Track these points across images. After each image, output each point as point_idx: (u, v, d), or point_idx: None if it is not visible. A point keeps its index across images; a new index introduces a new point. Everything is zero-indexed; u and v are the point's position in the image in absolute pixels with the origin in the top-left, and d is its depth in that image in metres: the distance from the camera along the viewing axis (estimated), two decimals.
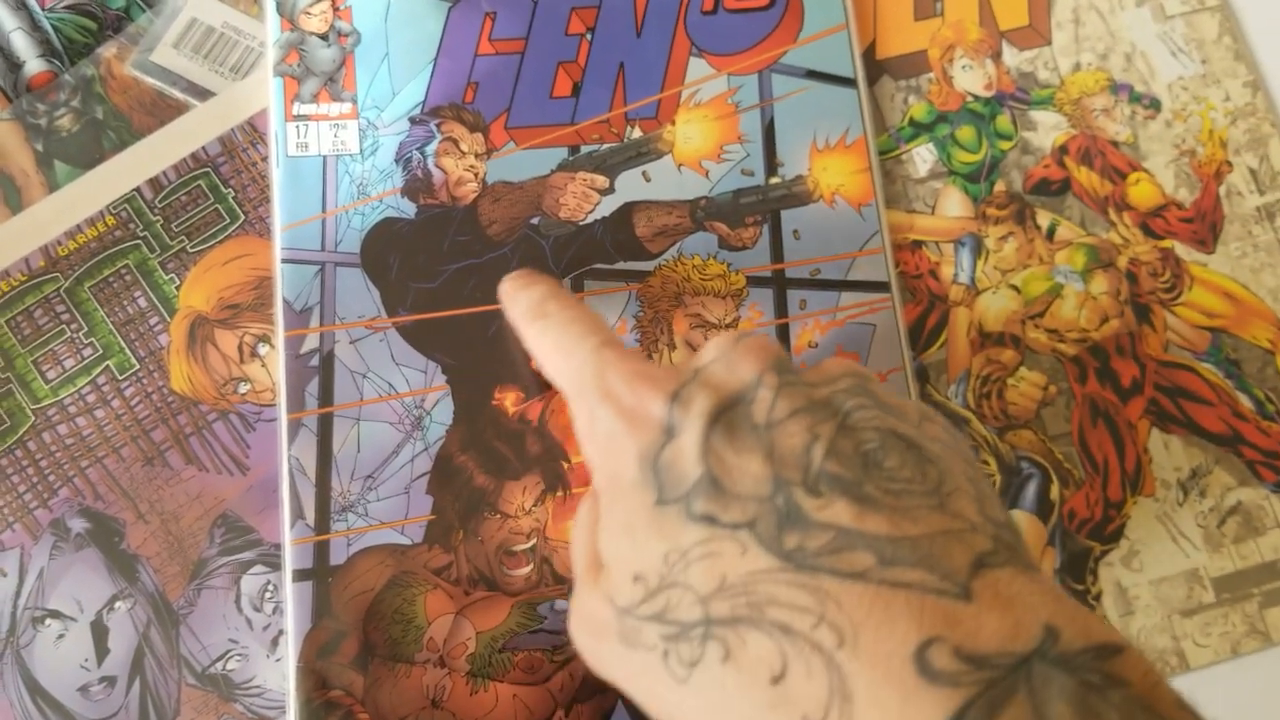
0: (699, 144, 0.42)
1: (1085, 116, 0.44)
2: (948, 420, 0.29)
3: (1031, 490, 0.41)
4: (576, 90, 0.42)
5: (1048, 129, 0.44)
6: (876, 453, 0.26)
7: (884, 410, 0.27)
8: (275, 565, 0.39)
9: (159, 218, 0.41)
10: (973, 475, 0.27)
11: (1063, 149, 0.44)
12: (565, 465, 0.38)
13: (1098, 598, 0.40)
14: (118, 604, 0.38)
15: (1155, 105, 0.45)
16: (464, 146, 0.41)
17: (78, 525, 0.38)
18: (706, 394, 0.27)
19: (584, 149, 0.41)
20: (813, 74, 0.42)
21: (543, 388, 0.39)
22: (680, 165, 0.41)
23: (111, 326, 0.40)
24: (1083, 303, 0.42)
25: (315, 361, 0.39)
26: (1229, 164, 0.44)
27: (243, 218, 0.41)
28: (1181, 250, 0.43)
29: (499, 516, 0.38)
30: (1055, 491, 0.41)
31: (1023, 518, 0.40)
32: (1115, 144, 0.44)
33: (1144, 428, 0.42)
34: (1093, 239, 0.43)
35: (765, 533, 0.25)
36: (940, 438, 0.28)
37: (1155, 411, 0.42)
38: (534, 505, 0.38)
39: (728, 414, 0.27)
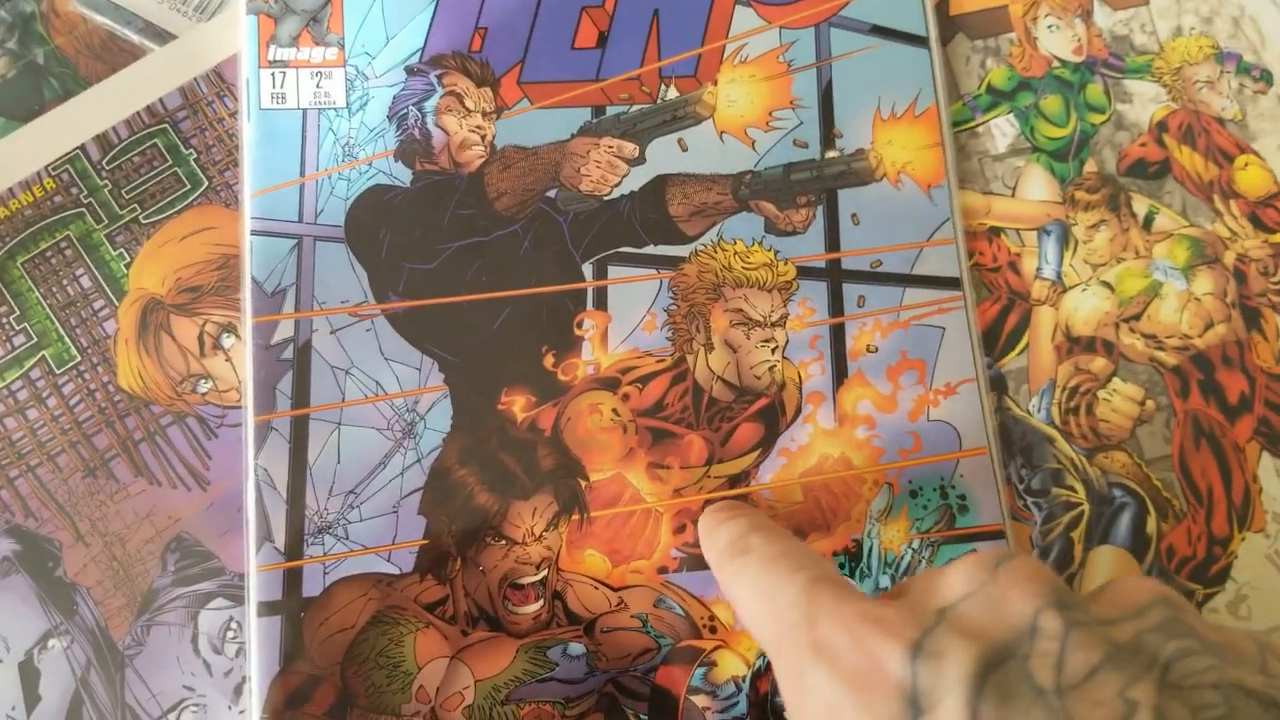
0: (744, 108, 0.38)
1: (1187, 88, 0.41)
2: None
3: (1125, 522, 0.37)
4: (603, 40, 0.38)
5: (1145, 101, 0.40)
6: None
7: (1216, 654, 0.22)
8: (239, 600, 0.35)
9: (107, 182, 0.38)
10: None
11: (1162, 125, 0.40)
12: (582, 484, 0.35)
13: None
14: (51, 642, 0.35)
15: (1266, 78, 0.41)
16: (469, 103, 0.37)
17: (4, 547, 0.35)
18: (964, 645, 0.22)
19: (610, 110, 0.38)
20: (878, 30, 0.39)
21: (558, 391, 0.34)
22: (722, 133, 0.38)
23: (48, 310, 0.37)
24: (1184, 304, 0.38)
25: (288, 354, 0.35)
26: None
27: (205, 184, 0.38)
28: None
29: (504, 543, 0.35)
30: (1152, 524, 0.37)
31: (1114, 554, 0.37)
32: (1221, 121, 0.40)
33: (1253, 451, 0.38)
34: (1196, 230, 0.39)
35: None
36: None
37: (1266, 433, 0.38)
38: (545, 530, 0.35)
39: (997, 673, 0.22)
